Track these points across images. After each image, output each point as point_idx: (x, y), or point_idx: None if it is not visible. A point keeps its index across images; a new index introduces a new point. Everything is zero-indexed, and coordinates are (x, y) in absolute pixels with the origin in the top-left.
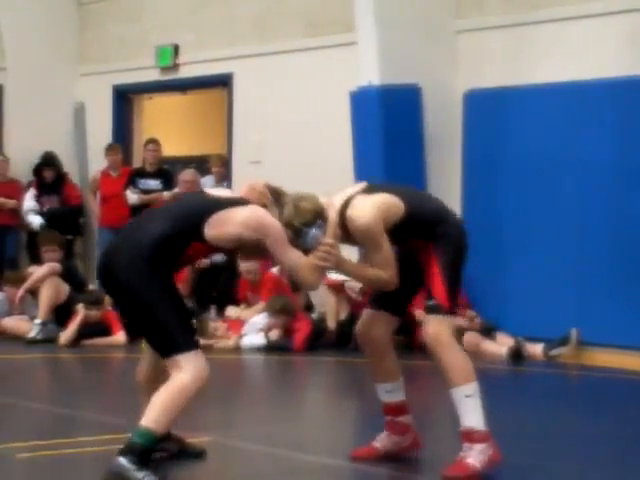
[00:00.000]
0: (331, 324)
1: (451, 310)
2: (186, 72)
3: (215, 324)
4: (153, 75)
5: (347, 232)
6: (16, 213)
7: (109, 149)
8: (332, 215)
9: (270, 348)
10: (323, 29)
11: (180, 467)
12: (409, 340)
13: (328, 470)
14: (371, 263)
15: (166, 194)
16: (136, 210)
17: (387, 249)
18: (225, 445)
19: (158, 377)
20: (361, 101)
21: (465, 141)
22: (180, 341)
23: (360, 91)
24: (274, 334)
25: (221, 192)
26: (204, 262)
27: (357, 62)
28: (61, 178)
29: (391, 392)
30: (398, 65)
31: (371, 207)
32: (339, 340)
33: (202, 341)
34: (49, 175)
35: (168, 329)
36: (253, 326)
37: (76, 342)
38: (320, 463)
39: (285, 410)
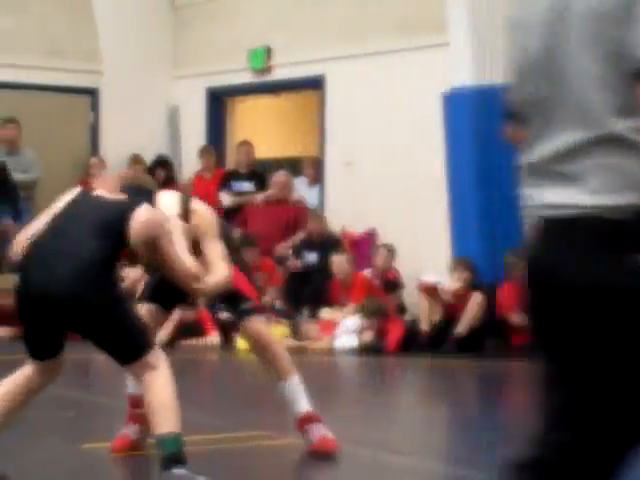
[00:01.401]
0: (424, 326)
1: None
2: (279, 74)
3: (308, 326)
4: (246, 77)
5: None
6: None
7: (203, 151)
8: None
9: (362, 350)
10: (415, 30)
11: (268, 467)
12: (503, 343)
13: (420, 472)
14: (208, 253)
15: (259, 196)
16: (229, 212)
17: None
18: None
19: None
20: (453, 102)
21: None
22: (146, 341)
23: (453, 92)
24: (367, 336)
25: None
26: (297, 264)
27: (450, 63)
28: (170, 180)
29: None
30: (491, 66)
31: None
32: (432, 342)
33: (295, 342)
34: (161, 175)
35: (132, 332)
36: (346, 328)
37: (172, 342)
38: (412, 465)
39: (377, 411)
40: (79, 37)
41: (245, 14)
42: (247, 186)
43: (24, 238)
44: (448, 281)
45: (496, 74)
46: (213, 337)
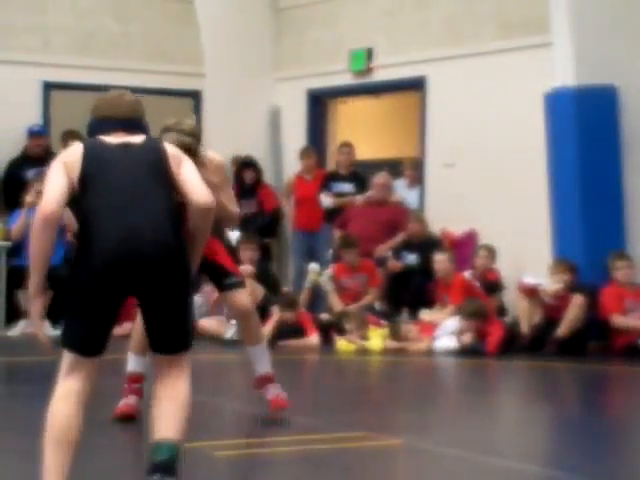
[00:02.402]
0: (524, 328)
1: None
2: (379, 76)
3: (408, 327)
4: (347, 79)
5: None
6: None
7: (304, 153)
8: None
9: (462, 351)
10: (517, 30)
11: (370, 469)
12: (606, 345)
13: (521, 475)
14: (221, 197)
15: (359, 198)
16: (329, 213)
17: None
18: (418, 448)
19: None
20: (556, 103)
21: None
22: (193, 338)
23: (555, 93)
24: (467, 337)
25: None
26: (397, 265)
27: (552, 63)
28: (259, 182)
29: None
30: (594, 66)
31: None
32: (532, 344)
33: (395, 344)
34: (249, 176)
35: (190, 324)
36: (446, 329)
37: (271, 343)
38: (513, 468)
39: (478, 414)
40: (182, 40)
41: (346, 16)
42: (347, 187)
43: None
44: (549, 282)
45: (598, 74)
46: (313, 338)
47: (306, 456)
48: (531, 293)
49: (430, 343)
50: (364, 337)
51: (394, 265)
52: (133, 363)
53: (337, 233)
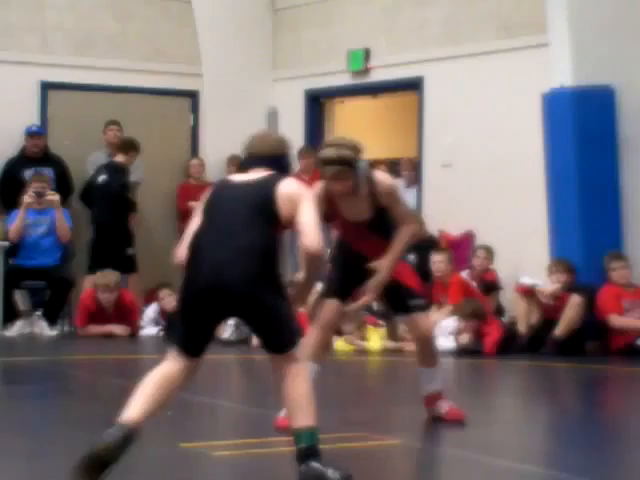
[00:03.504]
0: (522, 328)
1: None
2: (377, 76)
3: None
4: (344, 79)
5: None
6: None
7: (302, 153)
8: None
9: (460, 351)
10: (515, 31)
11: (369, 469)
12: (603, 345)
13: (520, 475)
14: (396, 216)
15: None
16: None
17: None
18: (417, 448)
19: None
20: (554, 103)
21: None
22: (299, 333)
23: (553, 93)
24: (464, 338)
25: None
26: None
27: (550, 64)
28: None
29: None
30: (591, 66)
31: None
32: (530, 344)
33: (393, 344)
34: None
35: (291, 323)
36: (443, 329)
37: None
38: (512, 468)
39: (476, 413)
40: (180, 40)
41: (344, 16)
42: None
43: (184, 244)
44: (546, 283)
45: (596, 75)
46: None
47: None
48: (529, 293)
49: None
50: (363, 337)
51: None
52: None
53: (334, 233)
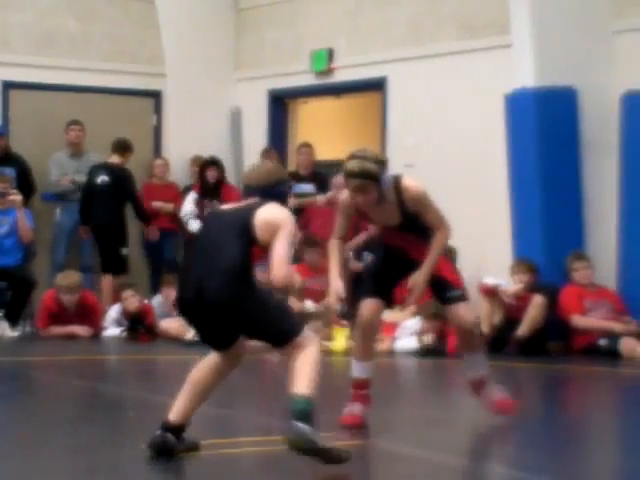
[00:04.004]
0: (485, 328)
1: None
2: (341, 76)
3: None
4: (308, 80)
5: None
6: (174, 217)
7: (265, 153)
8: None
9: (423, 351)
10: (477, 32)
11: (332, 470)
12: (566, 345)
13: (484, 475)
14: (428, 222)
15: (319, 198)
16: (291, 213)
17: (436, 206)
18: (381, 449)
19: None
20: (516, 104)
21: (623, 144)
22: (293, 326)
23: (515, 94)
24: (427, 338)
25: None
26: (357, 265)
27: (512, 64)
28: (222, 180)
29: (367, 370)
30: (554, 67)
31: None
32: (493, 344)
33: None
34: (212, 175)
35: (280, 320)
36: (406, 329)
37: None
38: (476, 468)
39: (439, 413)
40: (143, 40)
41: (308, 16)
42: (308, 188)
43: None
44: (509, 283)
45: (558, 76)
46: None
47: (269, 457)
48: (492, 293)
49: (391, 343)
50: (328, 337)
51: (355, 266)
52: (357, 369)
53: (298, 233)
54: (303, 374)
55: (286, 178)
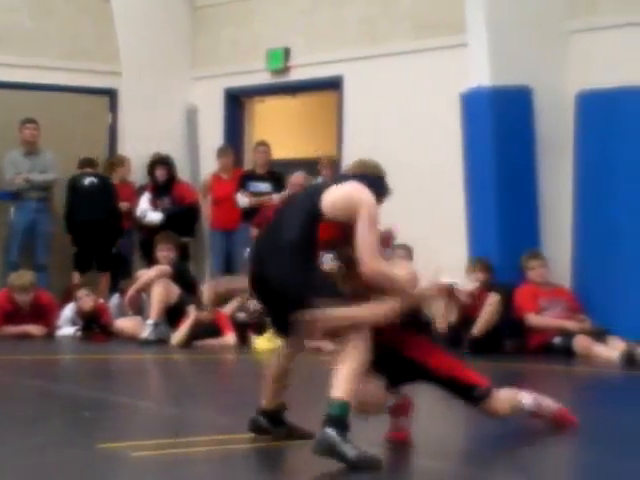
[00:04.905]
0: (440, 327)
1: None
2: (297, 75)
3: None
4: (264, 78)
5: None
6: (129, 215)
7: (221, 152)
8: None
9: None
10: (433, 31)
11: (289, 468)
12: (521, 344)
13: (436, 473)
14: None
15: (276, 197)
16: (247, 213)
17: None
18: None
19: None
20: (472, 103)
21: (577, 143)
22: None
23: (470, 93)
24: None
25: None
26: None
27: (467, 64)
28: (173, 179)
29: None
30: (509, 66)
31: None
32: (449, 343)
33: (310, 343)
34: (161, 174)
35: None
36: None
37: (188, 343)
38: (431, 467)
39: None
40: (98, 38)
41: (263, 15)
42: (264, 187)
43: None
44: (464, 282)
45: (513, 75)
46: (229, 337)
47: (225, 456)
48: (447, 292)
49: None
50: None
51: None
52: None
53: (254, 232)
54: (342, 375)
55: (383, 174)
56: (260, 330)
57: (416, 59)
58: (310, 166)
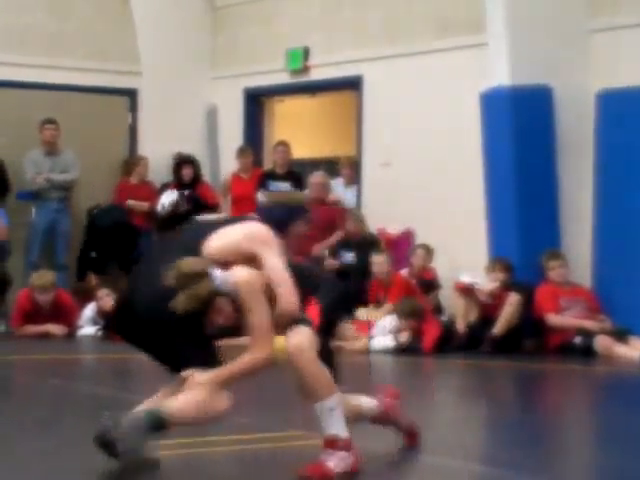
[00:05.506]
0: (460, 327)
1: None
2: (316, 75)
3: (344, 325)
4: (283, 78)
5: None
6: (150, 215)
7: (241, 152)
8: None
9: (399, 350)
10: (453, 30)
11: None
12: (541, 344)
13: (456, 472)
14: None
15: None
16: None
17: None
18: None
19: None
20: (492, 102)
21: (597, 142)
22: (196, 362)
23: (490, 92)
24: (403, 336)
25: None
26: (334, 263)
27: (487, 63)
28: (198, 179)
29: None
30: (529, 66)
31: None
32: (468, 342)
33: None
34: (187, 174)
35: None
36: (382, 328)
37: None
38: (451, 466)
39: (415, 412)
40: (118, 38)
41: (283, 15)
42: (284, 186)
43: None
44: (485, 281)
45: (534, 74)
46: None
47: (242, 456)
48: (467, 292)
49: (366, 342)
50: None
51: (331, 264)
52: None
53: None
54: (183, 405)
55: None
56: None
57: (436, 59)
58: (330, 165)
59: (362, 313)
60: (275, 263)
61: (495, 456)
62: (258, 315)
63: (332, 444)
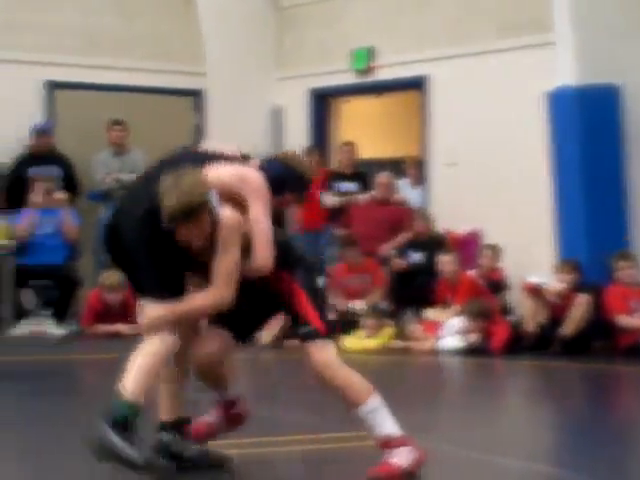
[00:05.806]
0: (529, 327)
1: (328, 333)
2: (381, 75)
3: (412, 326)
4: (348, 78)
5: None
6: None
7: (306, 152)
8: None
9: (467, 351)
10: (518, 30)
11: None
12: (610, 345)
13: (528, 474)
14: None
15: (362, 197)
16: (333, 212)
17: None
18: (426, 449)
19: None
20: (558, 102)
21: None
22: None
23: (557, 92)
24: (471, 337)
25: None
26: (402, 264)
27: (553, 62)
28: None
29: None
30: (596, 65)
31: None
32: (537, 343)
33: (400, 343)
34: None
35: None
36: (450, 328)
37: (278, 342)
38: (520, 467)
39: (484, 413)
40: (183, 39)
41: (349, 15)
42: (350, 186)
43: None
44: (553, 282)
45: (600, 73)
46: None
47: (307, 456)
48: (536, 292)
49: (434, 342)
50: (376, 335)
51: (399, 264)
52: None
53: (339, 233)
54: (134, 371)
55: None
56: (348, 329)
57: (501, 58)
58: (396, 166)
59: (430, 313)
60: (260, 215)
61: (565, 458)
62: (229, 258)
63: (387, 444)
